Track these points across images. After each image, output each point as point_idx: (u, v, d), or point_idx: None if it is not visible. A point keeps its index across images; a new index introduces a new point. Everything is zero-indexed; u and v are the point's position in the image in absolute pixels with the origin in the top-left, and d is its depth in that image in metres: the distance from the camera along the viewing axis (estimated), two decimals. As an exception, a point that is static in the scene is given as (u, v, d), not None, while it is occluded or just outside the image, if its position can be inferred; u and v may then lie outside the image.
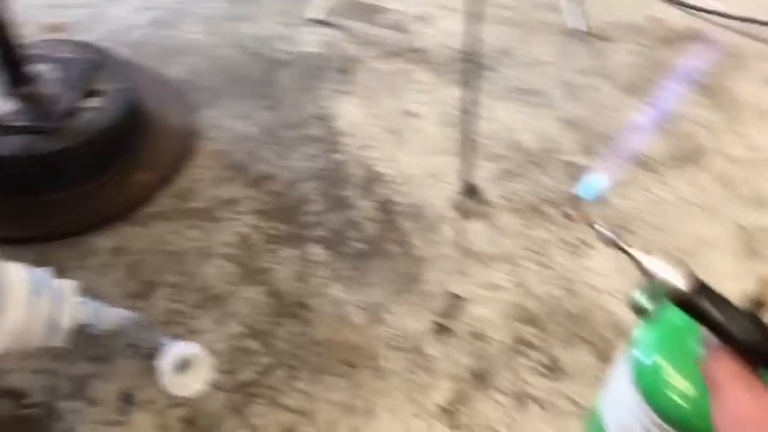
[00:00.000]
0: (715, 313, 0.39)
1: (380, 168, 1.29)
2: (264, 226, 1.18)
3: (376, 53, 1.55)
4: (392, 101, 1.43)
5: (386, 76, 1.49)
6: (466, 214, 1.21)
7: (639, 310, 0.41)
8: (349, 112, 1.40)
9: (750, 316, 0.40)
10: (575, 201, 0.43)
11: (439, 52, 1.57)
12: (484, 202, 1.23)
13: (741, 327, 0.40)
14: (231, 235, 1.16)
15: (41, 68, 1.23)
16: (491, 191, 1.25)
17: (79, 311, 0.78)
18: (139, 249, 1.13)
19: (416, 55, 1.56)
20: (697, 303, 0.39)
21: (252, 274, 1.11)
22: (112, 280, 1.08)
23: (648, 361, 0.57)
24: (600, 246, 1.15)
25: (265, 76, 1.48)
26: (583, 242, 1.16)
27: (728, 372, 0.40)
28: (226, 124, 1.37)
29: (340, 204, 1.22)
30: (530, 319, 1.06)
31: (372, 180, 1.27)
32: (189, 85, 1.45)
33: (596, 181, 0.45)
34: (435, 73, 1.51)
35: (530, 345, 1.03)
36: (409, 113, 1.41)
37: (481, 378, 0.99)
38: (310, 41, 1.57)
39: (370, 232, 1.17)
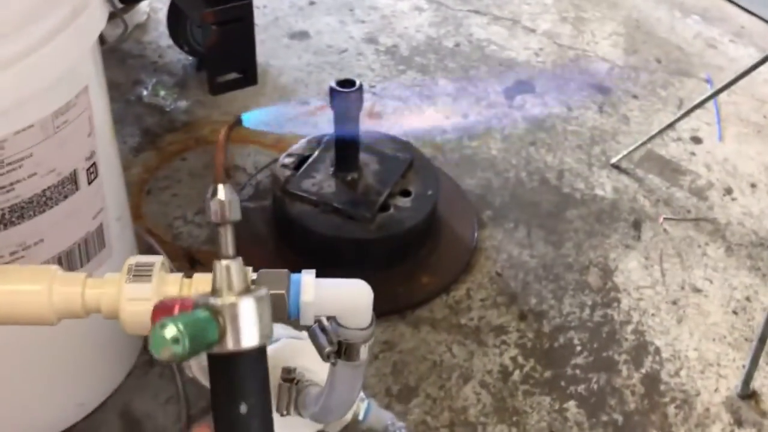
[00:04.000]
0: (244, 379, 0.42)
1: (653, 339, 1.24)
2: (525, 364, 1.19)
3: (669, 214, 1.52)
4: (678, 270, 1.39)
5: (675, 242, 1.45)
6: (739, 420, 1.12)
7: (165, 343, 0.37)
8: (631, 270, 1.38)
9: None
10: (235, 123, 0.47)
11: (738, 230, 1.49)
12: (763, 412, 1.14)
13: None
14: (493, 364, 1.18)
15: (365, 158, 1.35)
16: (772, 403, 1.15)
17: (358, 404, 0.85)
18: (407, 349, 1.19)
19: (712, 227, 1.50)
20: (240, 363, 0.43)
21: (504, 411, 1.11)
22: (377, 372, 1.15)
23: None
24: None
25: (553, 208, 1.51)
26: None
27: None
28: (506, 247, 1.40)
29: (606, 365, 1.19)
30: None
31: (642, 349, 1.22)
32: (479, 198, 1.51)
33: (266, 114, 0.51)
34: (729, 251, 1.44)
35: None
36: (694, 288, 1.35)
37: None
38: (606, 185, 1.58)
39: (631, 406, 1.13)
